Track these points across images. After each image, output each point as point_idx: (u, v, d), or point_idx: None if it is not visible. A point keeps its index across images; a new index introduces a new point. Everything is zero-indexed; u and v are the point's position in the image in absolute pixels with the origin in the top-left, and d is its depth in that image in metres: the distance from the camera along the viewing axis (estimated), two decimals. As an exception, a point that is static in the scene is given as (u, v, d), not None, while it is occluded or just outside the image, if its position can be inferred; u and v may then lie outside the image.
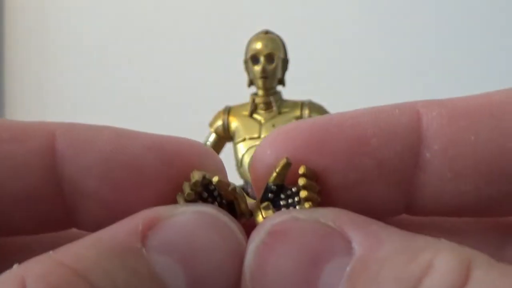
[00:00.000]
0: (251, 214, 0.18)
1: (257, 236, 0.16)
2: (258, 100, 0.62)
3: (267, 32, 0.63)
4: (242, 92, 0.64)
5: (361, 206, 0.17)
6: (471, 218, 0.18)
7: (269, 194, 0.18)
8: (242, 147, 0.63)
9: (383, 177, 0.17)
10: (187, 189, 0.17)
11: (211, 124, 0.65)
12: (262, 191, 0.18)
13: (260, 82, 0.61)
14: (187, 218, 0.16)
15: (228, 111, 0.64)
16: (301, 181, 0.17)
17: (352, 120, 0.17)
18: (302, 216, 0.16)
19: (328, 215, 0.16)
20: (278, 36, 0.63)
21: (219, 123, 0.64)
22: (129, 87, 1.06)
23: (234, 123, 0.64)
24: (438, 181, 0.17)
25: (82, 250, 0.15)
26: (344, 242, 0.15)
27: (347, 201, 0.17)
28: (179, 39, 1.03)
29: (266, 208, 0.18)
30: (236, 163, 0.63)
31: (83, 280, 0.14)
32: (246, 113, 0.63)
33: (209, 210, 0.16)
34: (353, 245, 0.15)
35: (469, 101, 0.17)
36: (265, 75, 0.61)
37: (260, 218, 0.18)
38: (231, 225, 0.16)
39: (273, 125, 0.61)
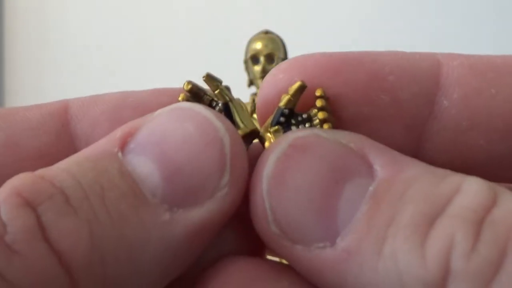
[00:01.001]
0: (251, 125, 0.17)
1: (278, 147, 0.15)
2: (258, 100, 0.62)
3: (267, 32, 0.63)
4: (242, 92, 0.64)
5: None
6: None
7: (281, 118, 0.17)
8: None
9: (396, 117, 0.17)
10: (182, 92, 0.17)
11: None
12: (272, 116, 0.17)
13: (260, 82, 0.61)
14: (162, 117, 0.15)
15: (228, 111, 0.64)
16: (319, 103, 0.16)
17: (371, 56, 0.17)
18: (324, 134, 0.15)
19: (350, 138, 0.15)
20: (278, 36, 0.63)
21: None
22: (129, 87, 1.05)
23: (234, 123, 0.64)
24: (452, 130, 0.17)
25: (61, 163, 0.15)
26: (366, 164, 0.15)
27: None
28: (178, 39, 1.03)
29: (276, 132, 0.17)
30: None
31: (47, 181, 0.14)
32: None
33: (184, 104, 0.16)
34: (375, 167, 0.15)
35: (492, 58, 0.17)
36: (265, 75, 0.61)
37: (268, 143, 0.17)
38: (206, 113, 0.15)
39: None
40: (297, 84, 0.16)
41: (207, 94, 0.17)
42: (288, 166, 0.15)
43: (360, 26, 0.96)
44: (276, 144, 0.15)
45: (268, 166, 0.15)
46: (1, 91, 1.16)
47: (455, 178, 0.14)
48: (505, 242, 0.13)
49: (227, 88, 0.17)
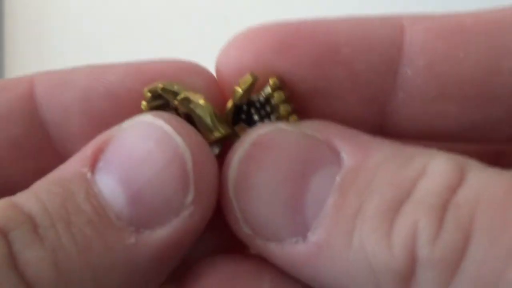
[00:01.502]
0: (222, 130, 0.16)
1: (240, 148, 0.15)
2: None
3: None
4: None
5: (332, 121, 0.16)
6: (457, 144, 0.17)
7: (242, 115, 0.16)
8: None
9: (356, 91, 0.16)
10: (146, 96, 0.16)
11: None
12: (230, 111, 0.16)
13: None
14: (127, 133, 0.15)
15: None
16: (277, 98, 0.16)
17: (326, 25, 0.16)
18: (287, 127, 0.15)
19: (314, 127, 0.15)
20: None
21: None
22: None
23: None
24: (419, 101, 0.16)
25: (33, 187, 0.15)
26: (332, 152, 0.15)
27: (318, 114, 0.16)
28: (178, 39, 1.03)
29: (242, 131, 0.16)
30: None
31: (18, 208, 0.14)
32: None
33: (146, 118, 0.15)
34: (342, 155, 0.15)
35: (461, 17, 0.16)
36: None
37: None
38: (167, 128, 0.15)
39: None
40: (248, 79, 0.15)
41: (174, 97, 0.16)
42: (252, 165, 0.15)
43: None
44: (238, 144, 0.15)
45: (232, 168, 0.15)
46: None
47: (421, 159, 0.14)
48: (468, 225, 0.13)
49: (186, 99, 0.16)
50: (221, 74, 0.16)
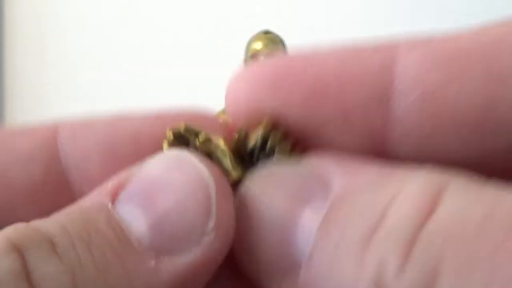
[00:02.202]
0: (238, 171, 0.16)
1: (237, 195, 0.16)
2: (258, 100, 0.62)
3: (267, 32, 0.63)
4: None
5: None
6: None
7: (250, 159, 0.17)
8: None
9: (348, 128, 0.15)
10: (168, 136, 0.17)
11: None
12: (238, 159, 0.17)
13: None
14: (150, 166, 0.16)
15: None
16: (274, 137, 0.16)
17: (315, 58, 0.15)
18: (279, 168, 0.16)
19: (308, 161, 0.15)
20: (278, 36, 0.63)
21: (219, 123, 0.64)
22: (128, 87, 1.05)
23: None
24: (413, 137, 0.15)
25: (51, 216, 0.15)
26: (323, 184, 0.14)
27: (317, 149, 0.16)
28: (178, 39, 1.03)
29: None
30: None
31: (36, 230, 0.14)
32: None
33: (171, 153, 0.16)
34: (332, 186, 0.14)
35: (460, 40, 0.14)
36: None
37: None
38: (191, 159, 0.15)
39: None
40: (264, 123, 0.16)
41: (195, 135, 0.17)
42: (248, 212, 0.15)
43: (360, 26, 0.96)
44: (239, 192, 0.16)
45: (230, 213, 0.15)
46: (1, 93, 1.16)
47: (397, 182, 0.13)
48: (436, 262, 0.12)
49: (208, 139, 0.17)
50: (234, 115, 0.17)
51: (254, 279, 0.15)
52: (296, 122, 0.16)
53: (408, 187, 0.13)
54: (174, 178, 0.15)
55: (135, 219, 0.15)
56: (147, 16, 1.07)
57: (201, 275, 0.15)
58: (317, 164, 0.15)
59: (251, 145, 0.16)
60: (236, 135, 0.17)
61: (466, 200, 0.12)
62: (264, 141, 0.16)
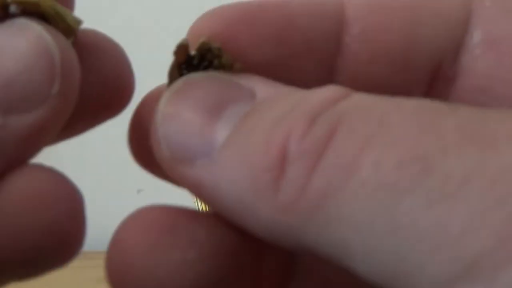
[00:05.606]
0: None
1: (175, 85, 0.17)
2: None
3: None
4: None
5: (285, 83, 0.17)
6: None
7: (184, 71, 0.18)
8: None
9: (309, 55, 0.18)
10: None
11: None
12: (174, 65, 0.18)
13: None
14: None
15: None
16: (215, 50, 0.17)
17: (283, 2, 0.18)
18: (218, 74, 0.17)
19: (243, 75, 0.17)
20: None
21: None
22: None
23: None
24: (354, 65, 0.18)
25: None
26: (248, 92, 0.17)
27: (271, 76, 0.18)
28: (171, 38, 1.03)
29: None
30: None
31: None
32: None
33: (19, 20, 0.17)
34: (257, 95, 0.16)
35: None
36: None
37: None
38: (37, 28, 0.17)
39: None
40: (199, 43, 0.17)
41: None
42: (179, 98, 0.17)
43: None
44: (174, 84, 0.17)
45: (163, 99, 0.17)
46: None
47: (309, 91, 0.16)
48: (336, 122, 0.14)
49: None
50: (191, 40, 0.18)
51: (166, 162, 0.17)
52: (267, 51, 0.18)
53: (326, 87, 0.15)
54: (21, 44, 0.16)
55: None
56: (148, 17, 1.07)
57: (47, 131, 0.17)
58: (248, 79, 0.17)
59: (190, 54, 0.18)
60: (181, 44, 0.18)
61: (365, 96, 0.15)
62: (204, 55, 0.18)
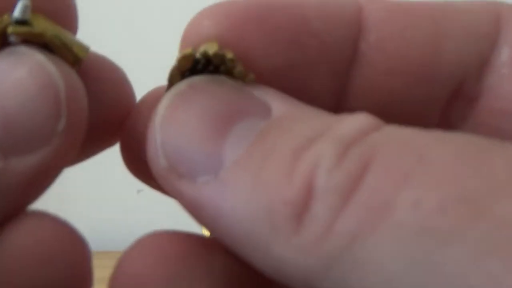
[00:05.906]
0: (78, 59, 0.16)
1: (177, 87, 0.15)
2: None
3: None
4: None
5: (296, 92, 0.16)
6: None
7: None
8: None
9: (323, 61, 0.16)
10: None
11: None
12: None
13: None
14: None
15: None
16: (230, 56, 0.15)
17: (295, 2, 0.16)
18: (228, 80, 0.15)
19: (255, 86, 0.15)
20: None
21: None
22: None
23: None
24: (369, 74, 0.16)
25: None
26: (263, 107, 0.15)
27: (281, 84, 0.16)
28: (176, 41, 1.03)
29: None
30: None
31: None
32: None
33: (19, 49, 0.15)
34: (272, 111, 0.15)
35: (412, 3, 0.17)
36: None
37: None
38: (39, 58, 0.15)
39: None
40: (214, 45, 0.15)
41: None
42: (182, 103, 0.15)
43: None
44: (176, 85, 0.15)
45: (163, 102, 0.15)
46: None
47: (345, 115, 0.14)
48: (369, 158, 0.13)
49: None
50: (188, 40, 0.16)
51: (162, 174, 0.15)
52: (277, 55, 0.16)
53: (354, 115, 0.14)
54: (21, 76, 0.14)
55: None
56: (146, 18, 1.07)
57: (51, 172, 0.15)
58: (262, 90, 0.15)
59: (197, 57, 0.16)
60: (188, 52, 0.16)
61: (406, 128, 0.13)
62: (210, 60, 0.16)
